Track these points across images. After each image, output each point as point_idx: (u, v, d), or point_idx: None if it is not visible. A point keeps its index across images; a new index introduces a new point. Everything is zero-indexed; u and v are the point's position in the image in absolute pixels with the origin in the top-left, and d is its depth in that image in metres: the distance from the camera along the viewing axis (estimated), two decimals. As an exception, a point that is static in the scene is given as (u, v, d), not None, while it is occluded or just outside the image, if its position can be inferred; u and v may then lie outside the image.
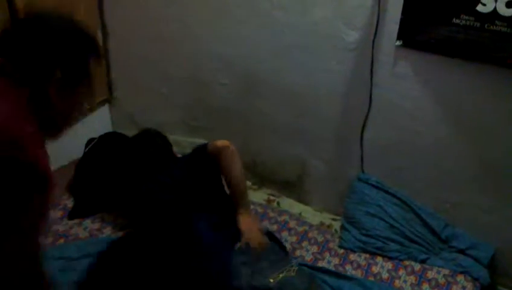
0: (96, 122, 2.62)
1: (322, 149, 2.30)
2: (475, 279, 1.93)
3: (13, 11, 1.98)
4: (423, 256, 2.03)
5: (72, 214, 2.11)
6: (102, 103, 2.67)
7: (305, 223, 2.23)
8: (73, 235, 1.98)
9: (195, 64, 2.43)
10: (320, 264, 1.97)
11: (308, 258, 2.00)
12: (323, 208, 2.41)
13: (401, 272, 1.95)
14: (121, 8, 2.48)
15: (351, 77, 2.08)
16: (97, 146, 2.34)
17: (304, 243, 2.08)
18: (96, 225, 2.05)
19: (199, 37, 2.35)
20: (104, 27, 2.53)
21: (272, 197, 2.42)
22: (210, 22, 2.29)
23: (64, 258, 1.82)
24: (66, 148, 2.32)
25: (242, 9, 2.18)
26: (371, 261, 2.01)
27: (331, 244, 2.09)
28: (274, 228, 2.14)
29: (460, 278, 1.92)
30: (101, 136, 2.31)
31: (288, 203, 2.42)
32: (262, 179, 2.52)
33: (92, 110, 2.59)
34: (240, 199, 1.85)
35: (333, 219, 2.33)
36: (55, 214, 2.08)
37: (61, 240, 1.95)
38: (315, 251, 2.05)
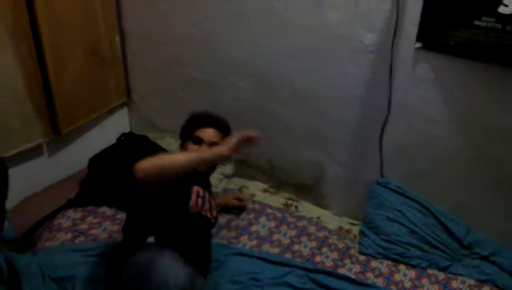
0: (115, 125, 2.67)
1: (340, 152, 2.27)
2: (500, 289, 1.88)
3: (33, 18, 2.02)
4: (445, 263, 1.98)
5: (75, 202, 2.19)
6: (120, 106, 2.70)
7: (325, 228, 2.20)
8: (92, 235, 2.02)
9: (211, 67, 2.42)
10: (341, 271, 1.94)
11: (328, 264, 1.97)
12: (341, 212, 2.38)
13: (425, 281, 1.91)
14: (138, 13, 2.50)
15: (369, 79, 2.04)
16: (115, 146, 2.47)
17: (324, 249, 2.05)
18: (115, 227, 2.08)
19: (216, 41, 2.34)
20: (122, 31, 2.55)
21: (289, 202, 2.40)
22: (227, 26, 2.29)
23: (82, 250, 1.89)
24: (85, 150, 2.39)
25: (259, 12, 2.16)
26: (393, 268, 1.97)
27: (351, 251, 2.06)
28: (293, 233, 2.12)
29: (486, 288, 1.88)
30: (126, 134, 2.55)
31: (307, 208, 2.39)
32: (280, 183, 2.50)
33: (111, 112, 2.63)
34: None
35: (352, 224, 2.30)
36: (76, 214, 2.12)
37: (81, 239, 2.00)
38: (335, 257, 2.02)
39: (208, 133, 1.86)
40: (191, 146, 1.84)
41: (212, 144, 1.82)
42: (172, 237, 1.66)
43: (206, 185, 1.92)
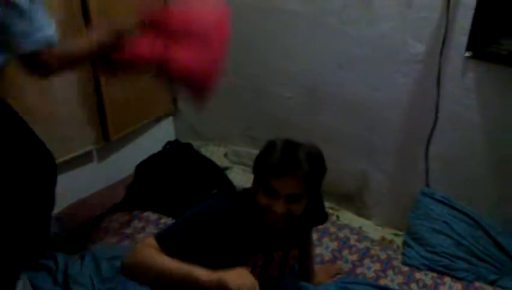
0: (162, 133, 2.73)
1: (385, 162, 2.25)
2: (552, 304, 1.83)
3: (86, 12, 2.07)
4: (493, 276, 1.93)
5: (121, 206, 2.25)
6: (167, 115, 2.76)
7: (367, 238, 2.19)
8: (137, 239, 2.08)
9: (258, 77, 2.45)
10: (383, 282, 1.92)
11: (370, 275, 1.96)
12: (384, 222, 2.35)
13: (472, 294, 1.87)
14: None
15: (416, 89, 2.03)
16: (161, 153, 2.50)
17: (366, 261, 2.04)
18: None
19: (263, 51, 2.37)
20: (168, 41, 2.61)
21: (331, 211, 2.40)
22: (275, 36, 2.31)
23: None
24: (133, 157, 2.46)
25: (308, 23, 2.18)
26: (439, 280, 1.93)
27: (394, 262, 2.03)
28: (335, 245, 2.11)
29: (535, 303, 1.82)
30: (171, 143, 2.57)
31: (348, 217, 2.38)
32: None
33: (158, 121, 2.70)
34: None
35: (395, 234, 2.27)
36: (123, 217, 2.20)
37: (127, 242, 2.07)
38: (377, 268, 2.00)
39: (285, 184, 1.32)
40: (265, 199, 1.34)
41: (291, 197, 1.33)
42: None
43: (286, 239, 1.52)
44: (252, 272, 1.36)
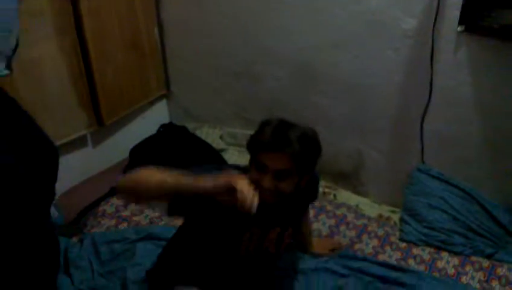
0: (155, 116, 2.73)
1: (380, 140, 2.25)
2: (548, 276, 1.84)
3: (76, 11, 2.08)
4: (490, 250, 1.95)
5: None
6: (160, 98, 2.75)
7: (364, 216, 2.20)
8: (134, 221, 2.10)
9: (249, 58, 2.44)
10: (381, 258, 1.94)
11: (368, 251, 1.97)
12: (381, 200, 2.36)
13: (469, 268, 1.88)
14: (176, 5, 2.53)
15: (409, 65, 2.01)
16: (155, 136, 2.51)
17: (364, 237, 2.05)
18: (156, 214, 2.15)
19: (253, 32, 2.36)
20: (160, 24, 2.59)
21: (327, 190, 2.40)
22: (263, 16, 2.29)
23: (123, 240, 1.95)
24: (128, 140, 2.46)
25: (297, 2, 2.16)
26: (436, 255, 1.95)
27: (392, 238, 2.05)
28: (332, 222, 2.12)
29: (532, 275, 1.84)
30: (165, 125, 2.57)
31: (345, 196, 2.39)
32: (318, 171, 2.50)
33: (151, 104, 2.69)
34: None
35: (392, 211, 2.28)
36: (119, 201, 2.21)
37: (124, 224, 2.09)
38: (375, 244, 2.01)
39: (274, 160, 1.35)
40: (254, 174, 1.37)
41: (279, 173, 1.35)
42: (221, 281, 1.52)
43: (279, 216, 1.55)
44: (249, 244, 1.48)
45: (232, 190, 1.19)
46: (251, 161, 1.41)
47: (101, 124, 2.32)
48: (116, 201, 2.21)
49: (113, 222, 2.10)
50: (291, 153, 1.34)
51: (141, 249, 1.89)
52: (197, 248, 1.52)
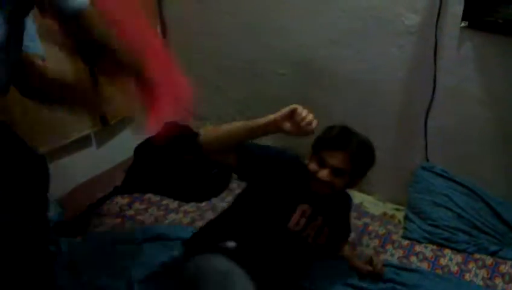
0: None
1: (384, 137, 2.23)
2: (553, 273, 1.82)
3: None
4: (494, 247, 1.94)
5: (121, 189, 2.23)
6: (164, 97, 2.75)
7: (367, 214, 2.19)
8: (139, 220, 2.11)
9: (251, 56, 2.43)
10: (382, 257, 1.92)
11: (369, 252, 1.95)
12: (385, 197, 2.35)
13: (472, 265, 1.87)
14: (178, 4, 2.53)
15: (412, 61, 2.01)
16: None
17: (364, 238, 2.03)
18: (161, 213, 2.16)
19: (254, 29, 2.35)
20: (163, 23, 2.59)
21: (331, 188, 2.40)
22: (264, 13, 2.29)
23: (130, 239, 1.95)
24: (132, 140, 2.45)
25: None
26: (439, 253, 1.94)
27: (394, 236, 2.04)
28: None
29: (537, 272, 1.82)
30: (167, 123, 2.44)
31: (350, 193, 2.37)
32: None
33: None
34: None
35: (396, 209, 2.27)
36: (123, 200, 2.21)
37: (129, 223, 2.09)
38: (376, 244, 2.00)
39: (334, 157, 1.55)
40: (314, 165, 1.57)
41: (336, 170, 1.55)
42: (258, 250, 1.55)
43: (323, 210, 1.67)
44: (299, 221, 1.60)
45: (291, 117, 1.39)
46: (311, 156, 1.60)
47: (105, 124, 2.33)
48: (120, 200, 2.21)
49: (118, 221, 2.10)
50: (350, 153, 1.55)
51: (148, 249, 1.88)
52: (248, 216, 1.61)
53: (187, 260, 1.56)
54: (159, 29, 2.56)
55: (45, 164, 1.44)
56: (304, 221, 1.61)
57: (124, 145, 2.48)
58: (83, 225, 2.11)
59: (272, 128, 1.43)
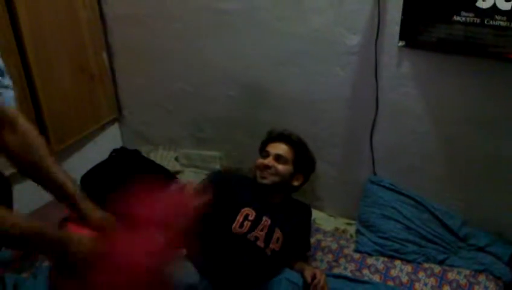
0: (108, 141, 2.68)
1: (332, 153, 2.29)
2: (497, 277, 1.90)
3: (18, 35, 2.03)
4: (442, 256, 2.00)
5: (69, 220, 2.15)
6: (112, 122, 2.71)
7: (320, 230, 2.22)
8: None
9: (200, 78, 2.44)
10: (336, 271, 1.95)
11: (323, 267, 1.98)
12: (337, 213, 2.39)
13: (421, 274, 1.93)
14: (124, 29, 2.52)
15: (355, 80, 2.07)
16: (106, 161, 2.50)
17: (318, 254, 2.06)
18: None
19: (202, 52, 2.37)
20: (109, 48, 2.56)
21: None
22: (212, 36, 2.31)
23: None
24: (79, 167, 2.39)
25: (242, 21, 2.19)
26: (389, 264, 1.98)
27: (346, 250, 2.07)
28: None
29: (482, 278, 1.90)
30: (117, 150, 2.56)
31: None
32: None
33: (102, 129, 2.64)
34: None
35: (348, 224, 2.32)
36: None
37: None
38: (329, 259, 2.03)
39: (276, 147, 1.86)
40: (259, 160, 1.85)
41: (278, 157, 1.83)
42: (207, 254, 1.65)
43: (274, 213, 1.81)
44: (242, 224, 1.73)
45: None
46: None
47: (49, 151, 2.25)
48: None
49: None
50: (291, 143, 1.86)
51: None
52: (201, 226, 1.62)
53: None
54: (105, 54, 2.53)
55: (9, 186, 1.40)
56: (249, 223, 1.73)
57: (70, 173, 2.41)
58: (30, 260, 2.02)
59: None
